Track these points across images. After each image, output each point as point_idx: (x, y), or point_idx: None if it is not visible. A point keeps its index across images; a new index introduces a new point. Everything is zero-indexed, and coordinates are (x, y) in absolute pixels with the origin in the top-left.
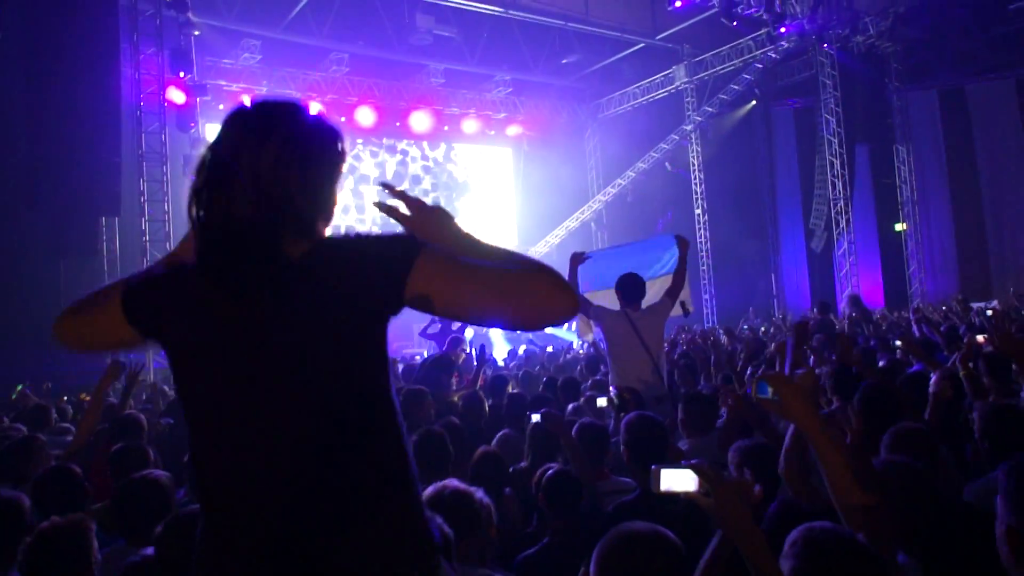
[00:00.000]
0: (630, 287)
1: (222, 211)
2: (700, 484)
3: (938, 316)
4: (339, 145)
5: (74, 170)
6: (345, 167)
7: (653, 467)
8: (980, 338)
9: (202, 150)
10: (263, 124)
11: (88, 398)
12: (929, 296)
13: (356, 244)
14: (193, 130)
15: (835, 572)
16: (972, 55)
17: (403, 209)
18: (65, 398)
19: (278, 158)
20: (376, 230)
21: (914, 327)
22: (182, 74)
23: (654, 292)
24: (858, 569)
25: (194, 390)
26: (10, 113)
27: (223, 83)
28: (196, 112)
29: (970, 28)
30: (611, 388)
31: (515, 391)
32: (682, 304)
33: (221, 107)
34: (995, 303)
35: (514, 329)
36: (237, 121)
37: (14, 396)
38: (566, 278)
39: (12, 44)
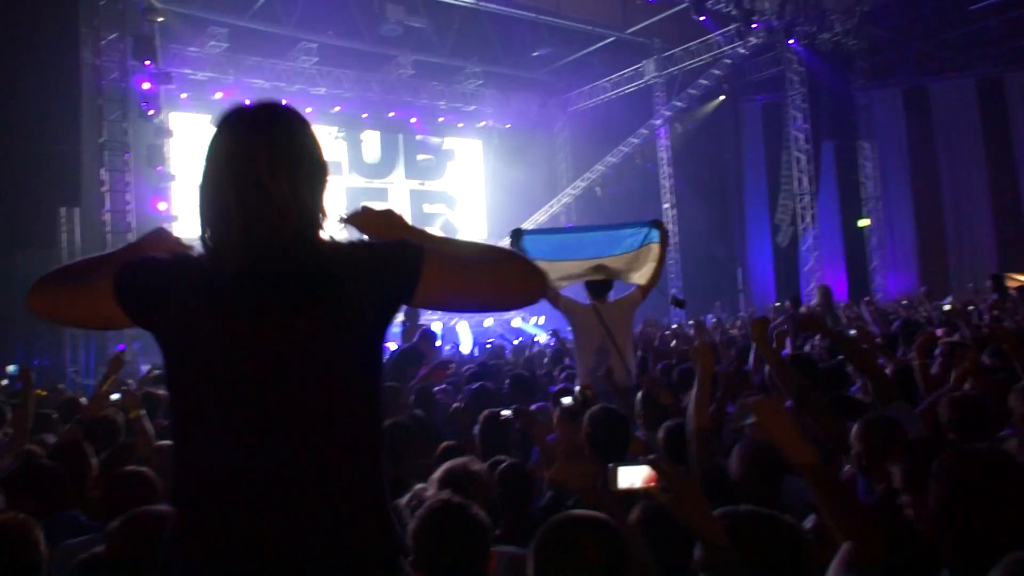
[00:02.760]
0: (598, 281)
1: (247, 229)
2: (658, 480)
3: (904, 311)
4: (324, 154)
5: (32, 159)
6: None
7: (610, 465)
8: (939, 331)
9: (206, 160)
10: (278, 135)
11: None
12: (890, 290)
13: (363, 248)
14: (157, 119)
15: (763, 551)
16: (934, 55)
17: (362, 218)
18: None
19: (298, 170)
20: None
21: (866, 314)
22: (146, 62)
23: (623, 264)
24: (783, 547)
25: (189, 381)
26: None
27: (188, 71)
28: (160, 101)
29: (932, 29)
30: (575, 384)
31: (481, 384)
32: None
33: (184, 96)
34: (950, 298)
35: (499, 311)
36: (246, 127)
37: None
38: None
39: None
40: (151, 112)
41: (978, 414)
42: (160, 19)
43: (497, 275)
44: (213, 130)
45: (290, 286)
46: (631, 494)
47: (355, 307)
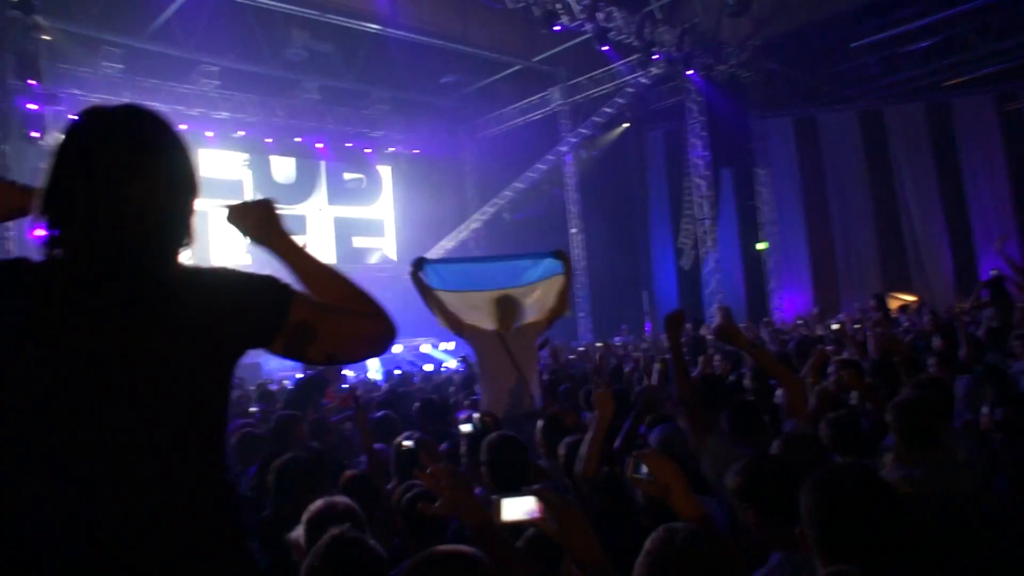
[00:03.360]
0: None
1: (95, 232)
2: (543, 510)
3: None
4: (197, 170)
5: None
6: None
7: (493, 497)
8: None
9: (57, 157)
10: (134, 141)
11: None
12: (786, 312)
13: (228, 277)
14: (42, 142)
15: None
16: (820, 88)
17: (237, 211)
18: None
19: (159, 176)
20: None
21: (764, 335)
22: (30, 82)
23: (527, 296)
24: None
25: (12, 401)
26: None
27: (79, 93)
28: (46, 123)
29: (818, 64)
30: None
31: (385, 412)
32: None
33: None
34: (843, 316)
35: (351, 363)
36: (100, 132)
37: None
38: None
39: None
40: (36, 135)
41: (854, 432)
42: (45, 37)
43: (354, 326)
44: (67, 128)
45: (130, 307)
46: (520, 524)
47: (203, 342)
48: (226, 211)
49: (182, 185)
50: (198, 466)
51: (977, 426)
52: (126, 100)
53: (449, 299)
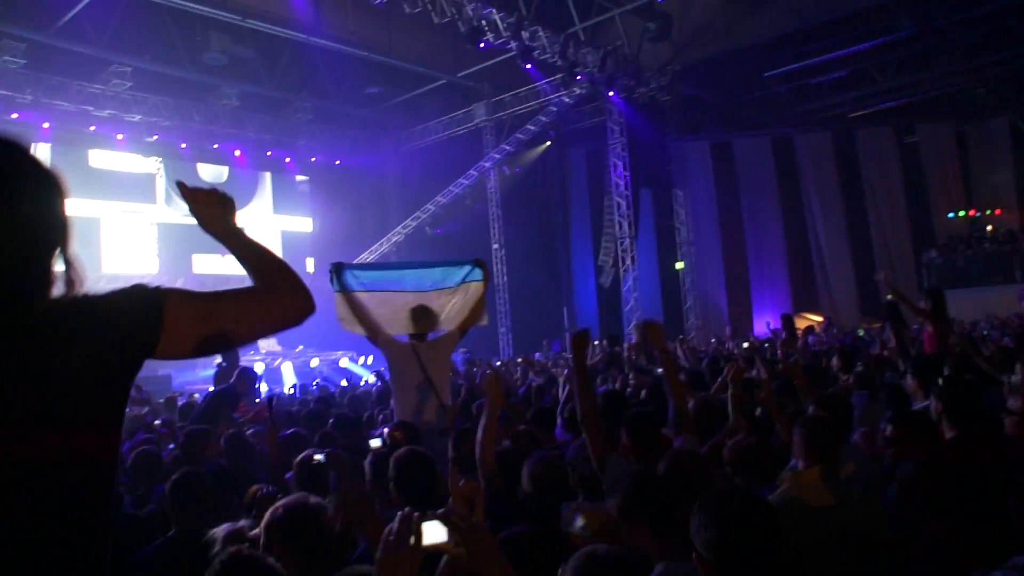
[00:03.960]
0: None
1: None
2: (450, 535)
3: (713, 349)
4: (65, 203)
5: None
6: (72, 226)
7: (412, 515)
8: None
9: None
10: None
11: None
12: (703, 330)
13: (96, 300)
14: None
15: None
16: (736, 114)
17: (199, 198)
18: None
19: (18, 209)
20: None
21: (679, 352)
22: None
23: (442, 302)
24: None
25: None
26: None
27: None
28: None
29: (734, 91)
30: (384, 428)
31: (295, 430)
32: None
33: None
34: (754, 336)
35: (263, 337)
36: None
37: None
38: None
39: None
40: None
41: (753, 458)
42: None
43: (260, 306)
44: None
45: (15, 349)
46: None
47: (93, 362)
48: (179, 187)
49: (43, 229)
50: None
51: (873, 440)
52: (28, 97)
53: (366, 300)
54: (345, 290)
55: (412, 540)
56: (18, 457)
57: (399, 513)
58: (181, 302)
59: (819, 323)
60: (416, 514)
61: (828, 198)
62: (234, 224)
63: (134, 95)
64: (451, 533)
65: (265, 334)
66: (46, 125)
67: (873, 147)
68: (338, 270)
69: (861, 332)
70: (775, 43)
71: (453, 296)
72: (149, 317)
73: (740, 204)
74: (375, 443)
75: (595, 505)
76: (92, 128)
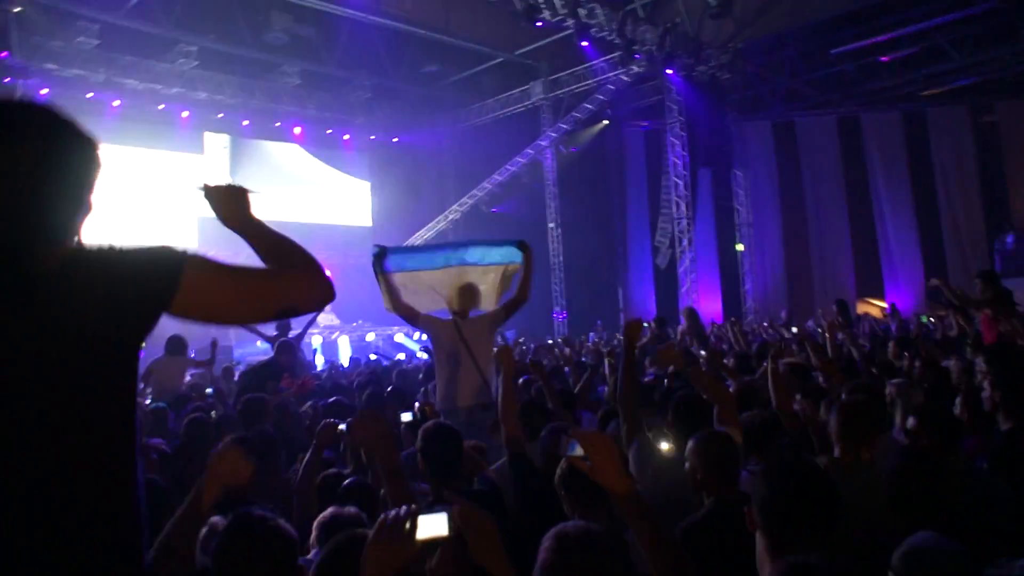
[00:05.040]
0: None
1: None
2: (450, 528)
3: (765, 333)
4: (94, 151)
5: None
6: (100, 173)
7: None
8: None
9: None
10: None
11: None
12: (760, 313)
13: (117, 254)
14: None
15: (581, 564)
16: (799, 93)
17: (214, 193)
18: None
19: (21, 163)
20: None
21: (730, 335)
22: (1, 53)
23: (488, 284)
24: (603, 561)
25: None
26: None
27: (53, 67)
28: (16, 96)
29: (798, 69)
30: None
31: (336, 398)
32: None
33: (45, 92)
34: (810, 322)
35: (277, 319)
36: None
37: None
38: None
39: None
40: None
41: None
42: (17, 9)
43: (276, 289)
44: None
45: (31, 301)
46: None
47: (109, 317)
48: (203, 189)
49: (57, 168)
50: (89, 486)
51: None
52: (102, 76)
53: (406, 281)
54: (386, 272)
55: (408, 531)
56: (36, 406)
57: (403, 508)
58: (203, 268)
59: (882, 309)
60: (415, 508)
61: (896, 180)
62: (251, 215)
63: (199, 73)
64: (451, 527)
65: (280, 315)
66: (116, 103)
67: (946, 127)
68: (381, 254)
69: (925, 319)
70: (842, 19)
71: (489, 273)
72: (168, 274)
73: (802, 185)
74: (406, 417)
75: (594, 432)
76: (161, 107)
